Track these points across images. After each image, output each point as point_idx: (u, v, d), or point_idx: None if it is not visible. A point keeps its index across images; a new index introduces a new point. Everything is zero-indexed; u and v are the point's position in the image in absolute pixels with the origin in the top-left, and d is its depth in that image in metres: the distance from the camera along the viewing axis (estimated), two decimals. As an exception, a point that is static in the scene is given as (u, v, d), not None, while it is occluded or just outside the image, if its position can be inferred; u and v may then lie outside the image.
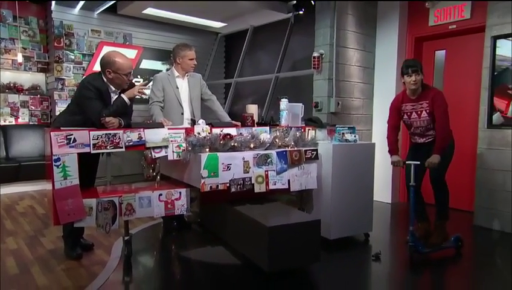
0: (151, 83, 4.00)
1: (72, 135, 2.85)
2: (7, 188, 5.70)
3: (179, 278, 3.22)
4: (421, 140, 3.77)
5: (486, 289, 3.00)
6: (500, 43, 4.17)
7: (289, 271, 3.00)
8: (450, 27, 4.88)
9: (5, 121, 6.00)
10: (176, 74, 3.98)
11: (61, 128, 2.96)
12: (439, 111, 3.51)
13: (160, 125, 3.27)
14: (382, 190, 5.44)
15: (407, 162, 3.58)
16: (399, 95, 3.86)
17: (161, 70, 6.90)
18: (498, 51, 4.18)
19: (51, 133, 2.81)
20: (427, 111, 3.57)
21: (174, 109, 3.93)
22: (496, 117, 4.23)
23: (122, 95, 3.23)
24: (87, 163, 3.17)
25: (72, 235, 3.32)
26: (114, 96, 3.29)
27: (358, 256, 3.60)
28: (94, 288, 2.78)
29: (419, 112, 3.64)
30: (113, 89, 3.28)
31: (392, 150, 3.76)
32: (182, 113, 3.97)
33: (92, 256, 3.37)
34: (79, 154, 2.90)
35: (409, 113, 3.72)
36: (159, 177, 3.48)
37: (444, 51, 5.16)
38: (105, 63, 3.20)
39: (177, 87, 3.95)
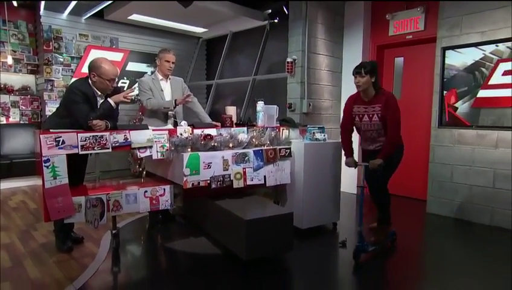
0: (136, 88, 3.95)
1: (60, 137, 2.80)
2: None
3: (165, 266, 3.21)
4: (371, 147, 3.60)
5: (435, 264, 3.08)
6: (448, 53, 4.28)
7: (265, 259, 3.03)
8: (407, 37, 4.98)
9: (-1, 120, 5.84)
10: (160, 76, 3.93)
11: (51, 130, 2.89)
12: (390, 116, 3.32)
13: (145, 127, 3.24)
14: (348, 181, 5.52)
15: (358, 163, 3.54)
16: (352, 96, 3.65)
17: (146, 72, 6.80)
18: (447, 60, 4.29)
19: (41, 135, 2.74)
20: (379, 115, 3.37)
21: (168, 104, 3.87)
22: (444, 118, 4.36)
23: (109, 99, 3.15)
24: (77, 162, 3.10)
25: (62, 230, 3.26)
26: (100, 100, 3.22)
27: (327, 243, 3.64)
28: (84, 279, 2.75)
29: (370, 115, 3.43)
30: (99, 93, 3.21)
31: (347, 152, 3.66)
32: (167, 114, 3.92)
33: (82, 249, 3.31)
34: (68, 154, 2.84)
35: (360, 116, 3.51)
36: (144, 173, 3.44)
37: (402, 58, 5.26)
38: (92, 66, 3.13)
39: (162, 90, 3.92)
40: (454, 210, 4.31)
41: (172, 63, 3.90)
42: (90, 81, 3.15)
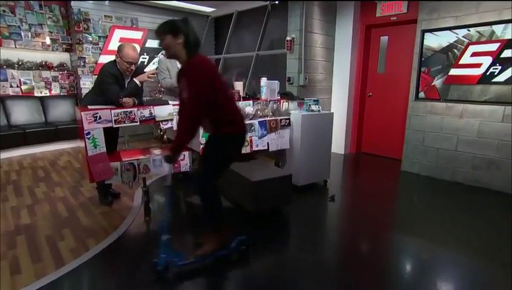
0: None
1: (97, 113, 2.80)
2: (49, 147, 5.62)
3: (185, 216, 3.29)
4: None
5: (405, 213, 3.20)
6: (427, 35, 4.17)
7: (268, 211, 3.13)
8: (391, 18, 4.83)
9: (41, 93, 5.81)
10: None
11: (88, 106, 2.92)
12: (185, 91, 2.09)
13: (166, 103, 3.22)
14: (338, 143, 5.60)
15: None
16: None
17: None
18: (425, 42, 4.19)
19: (82, 112, 2.75)
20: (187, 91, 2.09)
21: (172, 86, 3.81)
22: (420, 92, 4.33)
23: (135, 79, 3.15)
24: (111, 133, 3.16)
25: (103, 187, 3.37)
26: (127, 80, 3.22)
27: (318, 197, 3.69)
28: (125, 227, 2.88)
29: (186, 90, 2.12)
30: (126, 74, 3.21)
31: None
32: None
33: (120, 202, 3.43)
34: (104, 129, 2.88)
35: (181, 92, 2.26)
36: (165, 136, 3.44)
37: (387, 36, 5.12)
38: (118, 49, 3.14)
39: (177, 67, 3.86)
40: (424, 168, 4.41)
41: None
42: (117, 63, 3.15)
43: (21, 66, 5.57)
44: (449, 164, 4.16)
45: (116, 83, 3.11)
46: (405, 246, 2.74)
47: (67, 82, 6.00)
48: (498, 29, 3.59)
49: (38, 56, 5.73)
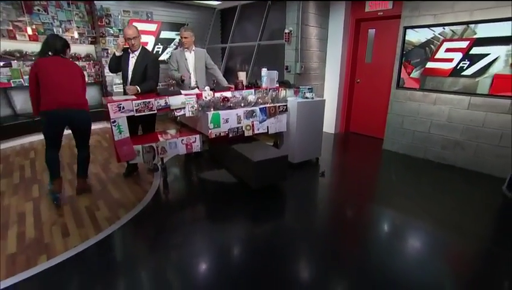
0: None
1: (121, 104, 2.88)
2: None
3: (198, 189, 3.38)
4: None
5: (383, 187, 3.31)
6: (408, 32, 4.09)
7: (267, 186, 3.22)
8: (378, 13, 4.71)
9: (73, 81, 5.82)
10: (185, 49, 3.85)
11: (114, 98, 2.97)
12: None
13: (179, 93, 3.23)
14: (329, 123, 5.64)
15: None
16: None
17: (174, 39, 6.57)
18: (406, 37, 4.11)
19: (108, 104, 2.82)
20: None
21: (184, 73, 3.84)
22: (401, 81, 4.29)
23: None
24: (148, 120, 3.36)
25: (128, 166, 3.50)
26: (131, 56, 3.36)
27: (311, 173, 3.74)
28: (148, 199, 3.00)
29: None
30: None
31: None
32: (190, 77, 3.90)
33: (143, 178, 3.52)
34: (142, 115, 3.00)
35: None
36: (179, 118, 3.50)
37: (374, 29, 5.01)
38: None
39: (186, 59, 3.85)
40: (401, 147, 4.46)
41: (185, 38, 3.75)
42: None
43: (54, 58, 5.56)
44: (422, 144, 4.22)
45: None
46: (382, 215, 2.85)
47: (93, 71, 5.97)
48: (471, 28, 3.52)
49: (68, 49, 5.71)
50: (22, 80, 5.20)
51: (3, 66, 4.99)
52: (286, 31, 4.93)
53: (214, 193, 3.24)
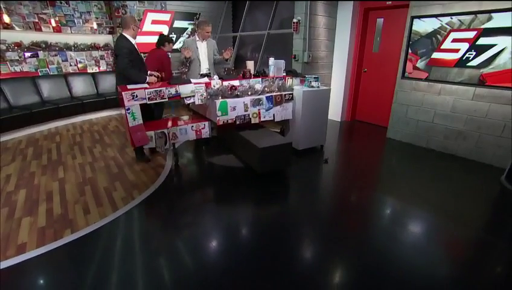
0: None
1: (135, 92, 2.94)
2: (101, 114, 5.82)
3: (207, 173, 3.45)
4: None
5: (386, 173, 3.29)
6: (415, 21, 3.91)
7: (272, 171, 3.25)
8: (387, 2, 4.52)
9: (92, 69, 5.91)
10: (197, 39, 3.93)
11: (128, 86, 3.03)
12: None
13: (189, 82, 3.24)
14: (335, 111, 5.57)
15: None
16: None
17: (187, 28, 6.54)
18: (413, 27, 3.94)
19: (123, 92, 2.89)
20: None
21: (195, 61, 3.95)
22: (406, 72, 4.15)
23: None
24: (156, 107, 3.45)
25: (139, 149, 3.55)
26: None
27: (315, 160, 3.71)
28: (160, 181, 3.10)
29: None
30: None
31: None
32: (200, 65, 3.98)
33: (156, 162, 3.61)
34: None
35: None
36: (190, 105, 3.56)
37: (382, 19, 4.81)
38: (125, 21, 3.31)
39: (197, 48, 3.92)
40: (405, 136, 4.38)
41: (208, 32, 3.90)
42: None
43: (76, 48, 5.65)
44: (426, 134, 4.12)
45: (133, 58, 3.23)
46: (381, 201, 2.84)
47: (111, 59, 6.08)
48: (479, 18, 3.34)
49: (88, 39, 5.78)
50: (47, 69, 5.36)
51: (31, 57, 5.15)
52: (294, 20, 4.82)
53: (222, 176, 3.30)
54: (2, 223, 2.41)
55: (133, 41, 3.31)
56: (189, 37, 6.38)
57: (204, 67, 4.00)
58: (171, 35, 6.43)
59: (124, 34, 3.26)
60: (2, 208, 2.62)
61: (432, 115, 4.00)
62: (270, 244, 2.16)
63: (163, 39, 4.17)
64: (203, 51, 3.96)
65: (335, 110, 5.56)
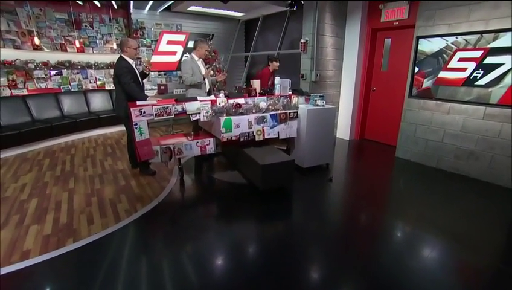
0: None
1: (143, 108, 3.05)
2: (115, 128, 6.03)
3: (211, 188, 3.45)
4: None
5: (395, 194, 3.20)
6: (421, 41, 3.92)
7: (274, 189, 3.22)
8: (394, 23, 4.56)
9: (110, 87, 6.20)
10: (196, 58, 3.98)
11: (137, 103, 3.15)
12: None
13: (195, 99, 3.32)
14: (344, 131, 5.53)
15: None
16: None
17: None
18: (419, 47, 3.95)
19: (131, 108, 3.00)
20: None
21: (199, 79, 3.96)
22: (414, 91, 4.12)
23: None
24: None
25: (144, 164, 3.66)
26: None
27: (319, 178, 3.66)
28: (164, 195, 3.14)
29: None
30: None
31: None
32: (204, 83, 4.05)
33: (161, 176, 3.69)
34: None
35: None
36: (199, 123, 3.64)
37: (390, 39, 4.85)
38: (122, 44, 3.43)
39: (198, 66, 3.99)
40: (414, 156, 4.28)
41: (208, 51, 4.02)
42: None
43: (96, 66, 5.99)
44: (435, 153, 4.01)
45: (132, 77, 3.37)
46: (387, 223, 2.73)
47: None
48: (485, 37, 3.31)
49: (108, 58, 6.12)
50: (69, 85, 5.71)
51: (55, 74, 5.52)
52: (302, 41, 4.94)
53: (225, 192, 3.31)
54: (12, 230, 2.52)
55: (131, 61, 3.48)
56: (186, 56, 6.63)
57: (207, 85, 4.09)
58: (185, 55, 6.70)
59: (122, 55, 3.46)
60: (14, 215, 2.75)
61: (442, 135, 3.90)
62: (271, 264, 2.12)
63: (268, 59, 4.86)
64: (203, 70, 4.04)
65: (343, 129, 5.53)
